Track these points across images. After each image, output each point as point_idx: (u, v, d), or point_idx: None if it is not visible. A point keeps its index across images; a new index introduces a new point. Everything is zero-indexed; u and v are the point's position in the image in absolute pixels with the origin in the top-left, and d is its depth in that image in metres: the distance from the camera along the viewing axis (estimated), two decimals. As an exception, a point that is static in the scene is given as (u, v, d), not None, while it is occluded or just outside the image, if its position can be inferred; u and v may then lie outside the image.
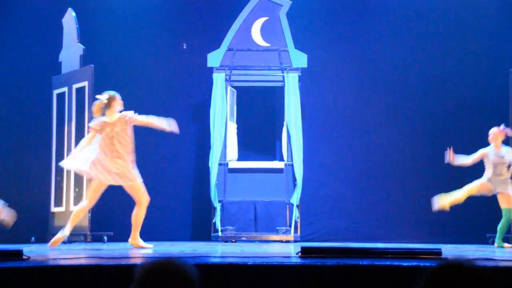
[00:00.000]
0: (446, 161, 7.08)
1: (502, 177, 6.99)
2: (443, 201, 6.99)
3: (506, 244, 6.88)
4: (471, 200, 8.19)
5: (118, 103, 6.16)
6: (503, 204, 6.97)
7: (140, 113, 8.96)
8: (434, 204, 6.99)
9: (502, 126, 7.09)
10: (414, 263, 3.52)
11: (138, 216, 6.17)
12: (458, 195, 7.02)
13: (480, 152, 7.09)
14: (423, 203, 8.45)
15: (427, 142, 8.64)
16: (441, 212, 8.02)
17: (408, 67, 8.76)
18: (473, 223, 8.10)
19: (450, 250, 5.34)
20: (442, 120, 8.67)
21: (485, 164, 7.08)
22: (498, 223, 7.03)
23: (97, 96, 6.23)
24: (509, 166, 7.03)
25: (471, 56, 8.66)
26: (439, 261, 1.56)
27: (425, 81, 8.76)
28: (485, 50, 8.64)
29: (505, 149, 7.06)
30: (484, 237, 7.56)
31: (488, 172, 7.04)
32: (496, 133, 7.07)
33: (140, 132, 8.81)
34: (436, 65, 8.75)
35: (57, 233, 8.05)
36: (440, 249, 4.10)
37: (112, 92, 6.20)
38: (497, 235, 6.95)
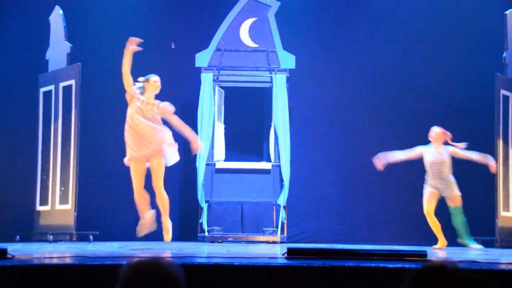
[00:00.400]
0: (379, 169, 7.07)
1: (443, 178, 6.88)
2: (440, 242, 6.92)
3: (474, 245, 6.86)
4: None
5: (151, 86, 6.12)
6: (449, 203, 6.94)
7: (125, 112, 8.96)
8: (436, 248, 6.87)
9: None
10: (400, 265, 3.54)
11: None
12: (432, 222, 6.97)
13: (418, 150, 7.02)
14: (410, 205, 8.49)
15: (415, 144, 8.67)
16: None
17: (396, 68, 8.80)
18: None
19: (435, 252, 5.37)
20: (429, 121, 8.68)
21: (424, 164, 7.01)
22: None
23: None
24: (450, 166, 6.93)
25: (458, 59, 8.70)
26: (424, 263, 1.57)
27: (413, 83, 8.80)
28: (472, 53, 8.70)
29: (444, 148, 6.97)
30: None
31: (427, 176, 6.99)
32: (439, 133, 6.99)
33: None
34: (424, 67, 8.79)
35: (42, 232, 8.02)
36: (425, 251, 4.12)
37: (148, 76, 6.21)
38: (459, 233, 6.93)
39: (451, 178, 6.94)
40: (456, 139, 8.18)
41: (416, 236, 8.17)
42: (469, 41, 8.71)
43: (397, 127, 8.79)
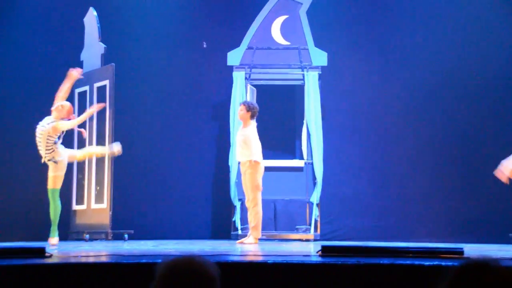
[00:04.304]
0: None
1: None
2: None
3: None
4: (493, 199, 8.11)
5: None
6: None
7: (161, 111, 9.03)
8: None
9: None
10: (436, 263, 3.49)
11: None
12: None
13: None
14: (444, 202, 8.38)
15: (448, 141, 8.57)
16: (463, 211, 7.95)
17: (430, 65, 8.68)
18: (495, 222, 8.01)
19: (472, 250, 5.29)
20: (463, 119, 8.59)
21: None
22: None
23: None
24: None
25: (495, 57, 8.54)
26: (461, 261, 1.55)
27: (448, 80, 8.67)
28: (506, 50, 8.53)
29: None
30: (506, 236, 7.48)
31: None
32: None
33: (161, 131, 8.87)
34: (460, 64, 8.64)
35: (78, 231, 8.14)
36: (462, 248, 4.06)
37: None
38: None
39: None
40: (492, 135, 8.05)
41: (450, 233, 8.07)
42: (507, 38, 8.53)
43: (431, 124, 8.68)
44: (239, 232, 8.07)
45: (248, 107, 6.89)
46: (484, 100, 8.54)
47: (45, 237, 7.94)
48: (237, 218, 8.20)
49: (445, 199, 8.40)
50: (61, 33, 8.77)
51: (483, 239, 7.38)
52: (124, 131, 8.34)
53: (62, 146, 6.87)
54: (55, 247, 6.07)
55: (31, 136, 9.04)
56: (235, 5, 8.95)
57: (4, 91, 8.86)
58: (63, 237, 8.06)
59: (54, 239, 6.60)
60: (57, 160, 6.71)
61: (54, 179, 6.77)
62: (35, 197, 8.70)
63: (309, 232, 8.05)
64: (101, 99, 8.13)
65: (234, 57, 8.44)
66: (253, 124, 6.98)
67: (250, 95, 8.55)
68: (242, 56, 8.44)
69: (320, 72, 8.41)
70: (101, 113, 8.12)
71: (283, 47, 8.49)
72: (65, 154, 6.83)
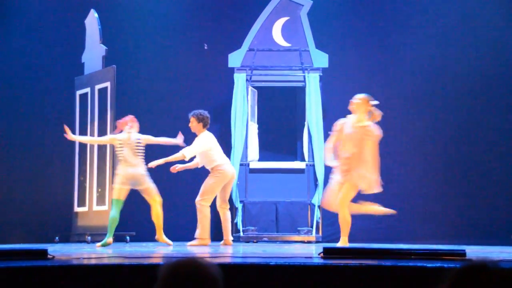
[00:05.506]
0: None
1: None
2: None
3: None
4: (496, 201, 8.12)
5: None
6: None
7: (162, 113, 9.03)
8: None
9: None
10: (438, 264, 3.49)
11: None
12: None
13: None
14: (446, 203, 8.38)
15: (450, 141, 8.57)
16: (466, 213, 7.94)
17: (431, 66, 8.68)
18: (498, 224, 8.01)
19: (474, 252, 5.28)
20: (466, 120, 8.58)
21: None
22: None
23: None
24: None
25: (499, 58, 8.53)
26: (463, 262, 1.55)
27: (450, 80, 8.67)
28: (507, 49, 8.53)
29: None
30: (508, 238, 7.47)
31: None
32: None
33: (163, 132, 8.87)
34: (461, 63, 8.64)
35: (80, 233, 8.15)
36: (464, 250, 4.05)
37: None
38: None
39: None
40: (498, 136, 8.04)
41: (453, 235, 8.06)
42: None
43: (433, 124, 8.68)
44: (241, 234, 8.07)
45: (198, 118, 6.87)
46: (488, 100, 8.53)
47: (46, 239, 7.96)
48: (238, 220, 8.21)
49: (447, 200, 8.40)
50: (62, 35, 8.79)
51: (486, 241, 7.36)
52: (125, 133, 8.34)
53: (125, 165, 6.71)
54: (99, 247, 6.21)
55: (33, 138, 9.06)
56: (236, 7, 8.96)
57: (5, 93, 8.87)
58: (65, 239, 8.07)
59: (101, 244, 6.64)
60: (117, 173, 6.76)
61: (113, 189, 6.82)
62: (37, 199, 8.72)
63: (311, 234, 8.05)
64: (102, 100, 8.14)
65: (235, 59, 8.45)
66: (205, 133, 6.92)
67: (251, 97, 8.55)
68: (243, 58, 8.45)
69: (321, 74, 8.41)
70: (102, 115, 8.13)
71: (284, 48, 8.49)
72: (123, 171, 6.68)
